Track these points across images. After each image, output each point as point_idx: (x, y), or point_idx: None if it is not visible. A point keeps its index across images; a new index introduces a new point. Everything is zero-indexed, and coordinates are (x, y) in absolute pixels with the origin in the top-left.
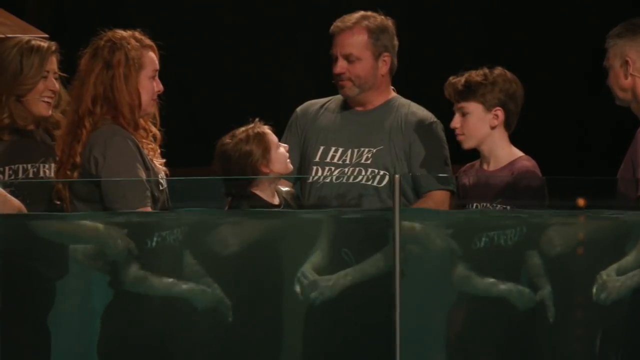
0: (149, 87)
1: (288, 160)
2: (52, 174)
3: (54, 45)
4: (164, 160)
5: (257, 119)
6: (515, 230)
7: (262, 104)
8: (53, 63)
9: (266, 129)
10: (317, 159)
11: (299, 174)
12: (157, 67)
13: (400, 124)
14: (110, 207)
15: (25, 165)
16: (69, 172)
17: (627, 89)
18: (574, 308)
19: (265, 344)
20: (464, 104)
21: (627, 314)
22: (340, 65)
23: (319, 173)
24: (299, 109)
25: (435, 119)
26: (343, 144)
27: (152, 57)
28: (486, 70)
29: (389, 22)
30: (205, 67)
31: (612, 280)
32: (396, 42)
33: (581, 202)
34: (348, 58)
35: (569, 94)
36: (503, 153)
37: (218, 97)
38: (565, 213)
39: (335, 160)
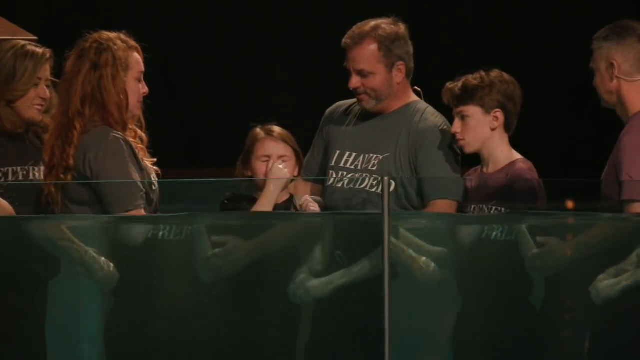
0: (136, 88)
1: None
2: (42, 177)
3: (48, 52)
4: (155, 160)
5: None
6: (503, 228)
7: (250, 107)
8: (46, 70)
9: (268, 136)
10: (332, 163)
11: (323, 176)
12: (143, 68)
13: (409, 131)
14: (107, 208)
15: (15, 168)
16: (62, 176)
17: (613, 92)
18: (564, 309)
19: (258, 346)
20: (462, 108)
21: (620, 314)
22: (355, 81)
23: (333, 177)
24: (327, 110)
25: (445, 126)
26: (357, 149)
27: (137, 59)
28: (483, 73)
29: (401, 29)
30: (193, 70)
31: (606, 280)
32: (410, 48)
33: (570, 204)
34: (361, 73)
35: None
36: (502, 155)
37: (205, 100)
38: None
39: (348, 165)
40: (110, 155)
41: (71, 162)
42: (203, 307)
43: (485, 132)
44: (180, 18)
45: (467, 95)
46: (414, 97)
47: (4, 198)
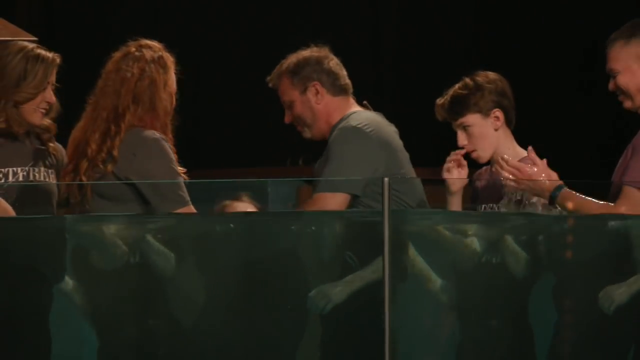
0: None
1: None
2: (42, 178)
3: (57, 58)
4: (185, 170)
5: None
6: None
7: (251, 108)
8: (53, 75)
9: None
10: None
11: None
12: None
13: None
14: (157, 205)
15: (15, 169)
16: (101, 166)
17: None
18: (567, 312)
19: (268, 350)
20: (461, 120)
21: (628, 319)
22: (287, 115)
23: None
24: None
25: (356, 125)
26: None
27: (173, 77)
28: (467, 80)
29: (316, 52)
30: (193, 72)
31: (615, 286)
32: (328, 66)
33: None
34: (286, 105)
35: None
36: (508, 153)
37: (205, 102)
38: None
39: None
40: (156, 155)
41: (116, 152)
42: (206, 310)
43: (491, 135)
44: (181, 21)
45: (461, 106)
46: (348, 111)
47: (4, 199)
